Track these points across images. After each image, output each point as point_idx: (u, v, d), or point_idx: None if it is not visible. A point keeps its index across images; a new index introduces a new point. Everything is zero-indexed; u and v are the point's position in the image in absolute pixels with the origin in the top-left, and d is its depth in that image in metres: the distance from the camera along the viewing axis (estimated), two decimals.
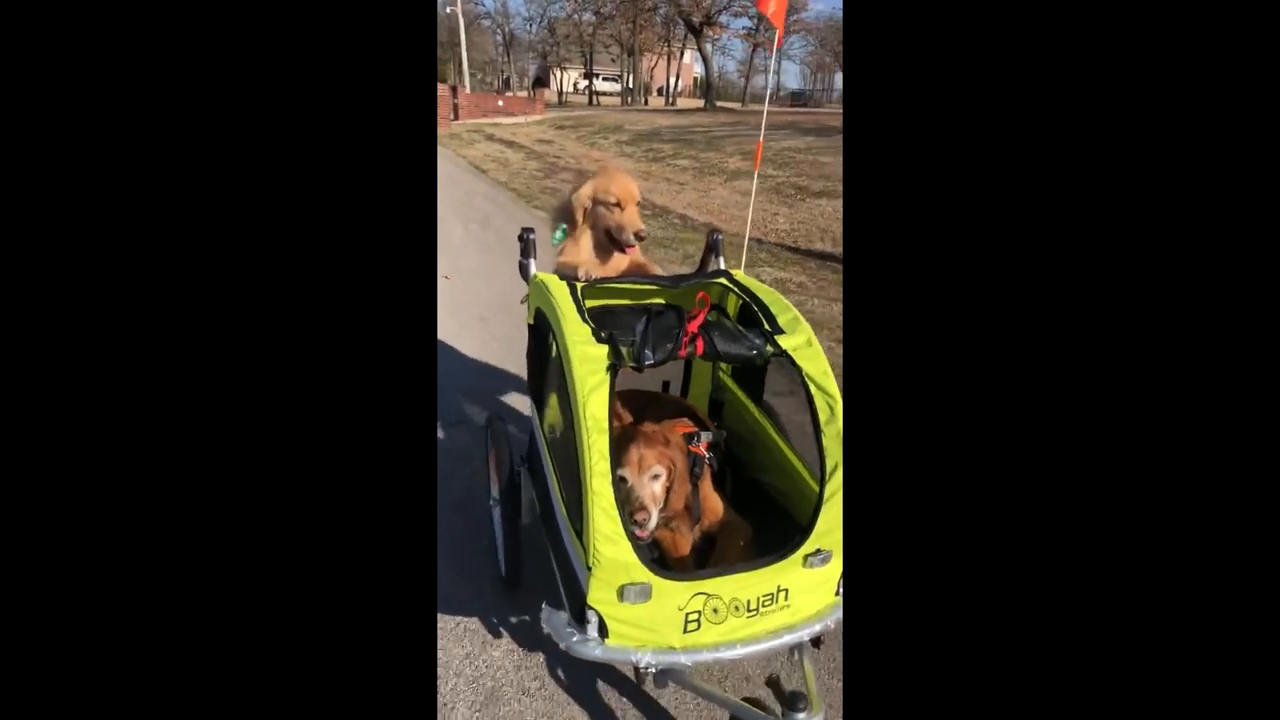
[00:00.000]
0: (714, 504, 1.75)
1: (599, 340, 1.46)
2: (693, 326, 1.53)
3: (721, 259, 2.19)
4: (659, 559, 1.64)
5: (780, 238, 7.51)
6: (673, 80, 36.05)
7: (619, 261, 2.02)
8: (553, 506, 1.60)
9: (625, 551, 1.29)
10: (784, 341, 1.56)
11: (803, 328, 1.62)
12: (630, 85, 33.35)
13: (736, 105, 30.53)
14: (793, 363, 1.54)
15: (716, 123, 18.07)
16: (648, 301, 1.87)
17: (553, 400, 1.74)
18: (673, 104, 31.12)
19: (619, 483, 1.53)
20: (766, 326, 1.62)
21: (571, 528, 1.43)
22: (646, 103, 32.67)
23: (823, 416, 1.48)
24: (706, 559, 1.65)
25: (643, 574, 1.30)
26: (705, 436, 1.83)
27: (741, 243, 5.50)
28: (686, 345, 1.51)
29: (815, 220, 8.12)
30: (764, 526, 1.74)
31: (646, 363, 1.47)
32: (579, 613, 1.36)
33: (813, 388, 1.52)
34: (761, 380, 2.05)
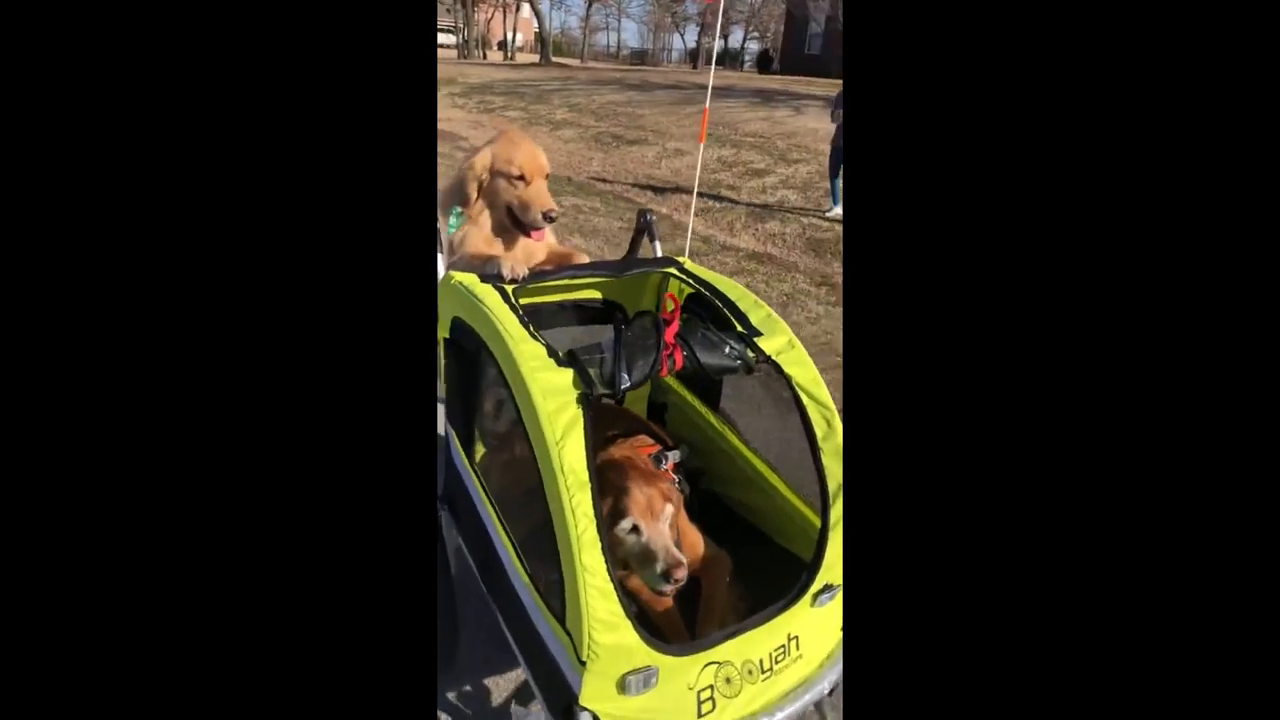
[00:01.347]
0: (693, 538, 1.47)
1: (559, 363, 1.18)
2: (669, 335, 1.27)
3: (658, 244, 1.84)
4: (638, 617, 1.27)
5: (593, 177, 8.56)
6: (510, 35, 35.67)
7: (530, 248, 1.70)
8: (506, 575, 1.30)
9: (627, 634, 1.06)
10: (764, 345, 1.37)
11: (781, 327, 1.43)
12: (466, 38, 32.66)
13: (575, 61, 30.96)
14: (779, 370, 1.36)
15: (549, 77, 18.63)
16: (580, 296, 1.67)
17: (520, 445, 1.40)
18: (511, 59, 30.95)
19: (630, 534, 1.29)
20: (739, 328, 1.41)
21: (545, 609, 1.17)
22: (485, 56, 32.21)
23: (819, 431, 1.29)
24: (692, 607, 1.39)
25: (647, 656, 1.07)
26: (672, 456, 1.57)
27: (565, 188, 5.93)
28: (666, 360, 1.26)
29: (625, 165, 9.22)
30: (737, 552, 1.51)
31: (624, 387, 1.21)
32: (564, 713, 1.09)
33: (805, 398, 1.33)
34: (716, 382, 1.77)
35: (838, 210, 6.97)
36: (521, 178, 1.62)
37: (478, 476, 1.45)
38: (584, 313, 1.77)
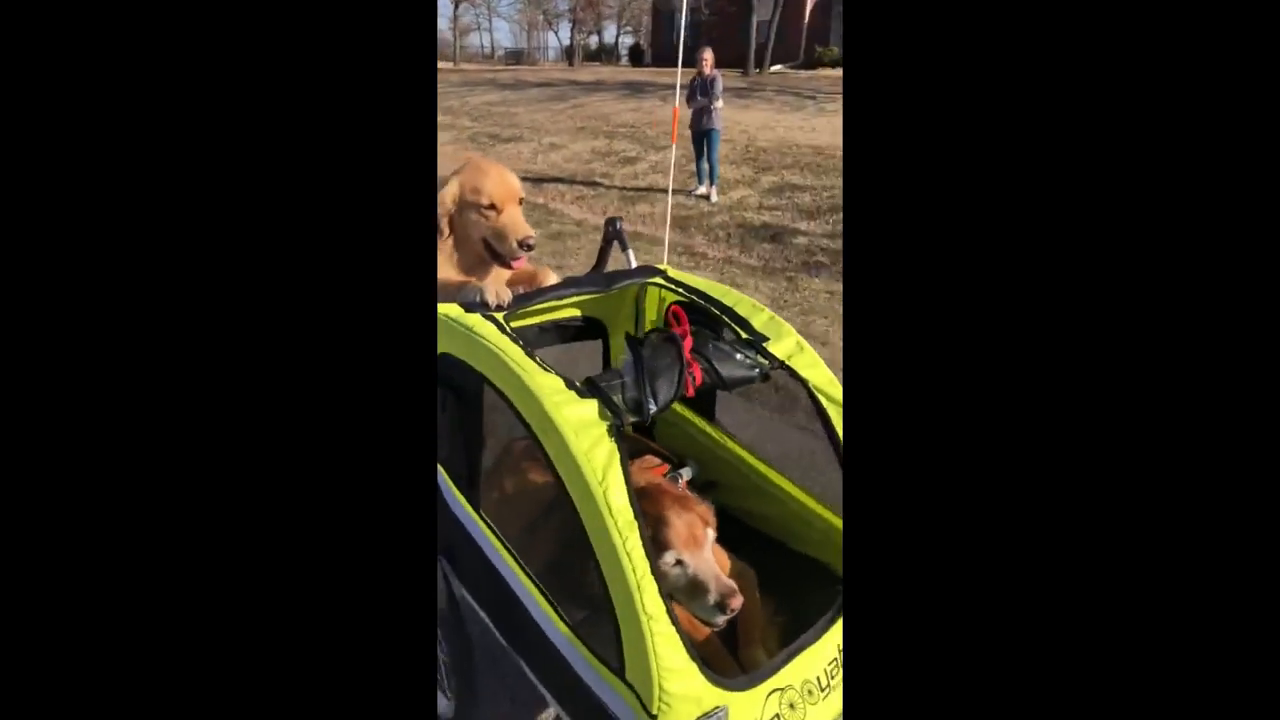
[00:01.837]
0: (720, 557, 1.37)
1: (581, 394, 1.11)
2: (685, 349, 1.23)
3: (631, 253, 1.79)
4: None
5: None
6: None
7: (502, 273, 1.61)
8: (535, 627, 1.20)
9: (695, 679, 1.00)
10: (774, 350, 1.33)
11: (786, 329, 1.39)
12: None
13: (447, 64, 30.53)
14: (793, 375, 1.32)
15: None
16: (560, 316, 1.60)
17: (510, 480, 1.42)
18: None
19: (675, 568, 1.21)
20: (742, 334, 1.37)
21: (596, 662, 1.09)
22: None
23: (843, 433, 1.23)
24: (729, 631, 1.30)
25: (716, 697, 1.01)
26: (684, 474, 1.57)
27: None
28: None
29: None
30: (755, 564, 1.44)
31: (652, 413, 1.15)
32: None
33: (824, 400, 1.30)
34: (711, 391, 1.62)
35: (703, 189, 7.49)
36: (492, 206, 1.53)
37: (486, 523, 1.31)
38: (564, 332, 1.70)
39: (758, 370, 1.30)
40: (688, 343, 1.23)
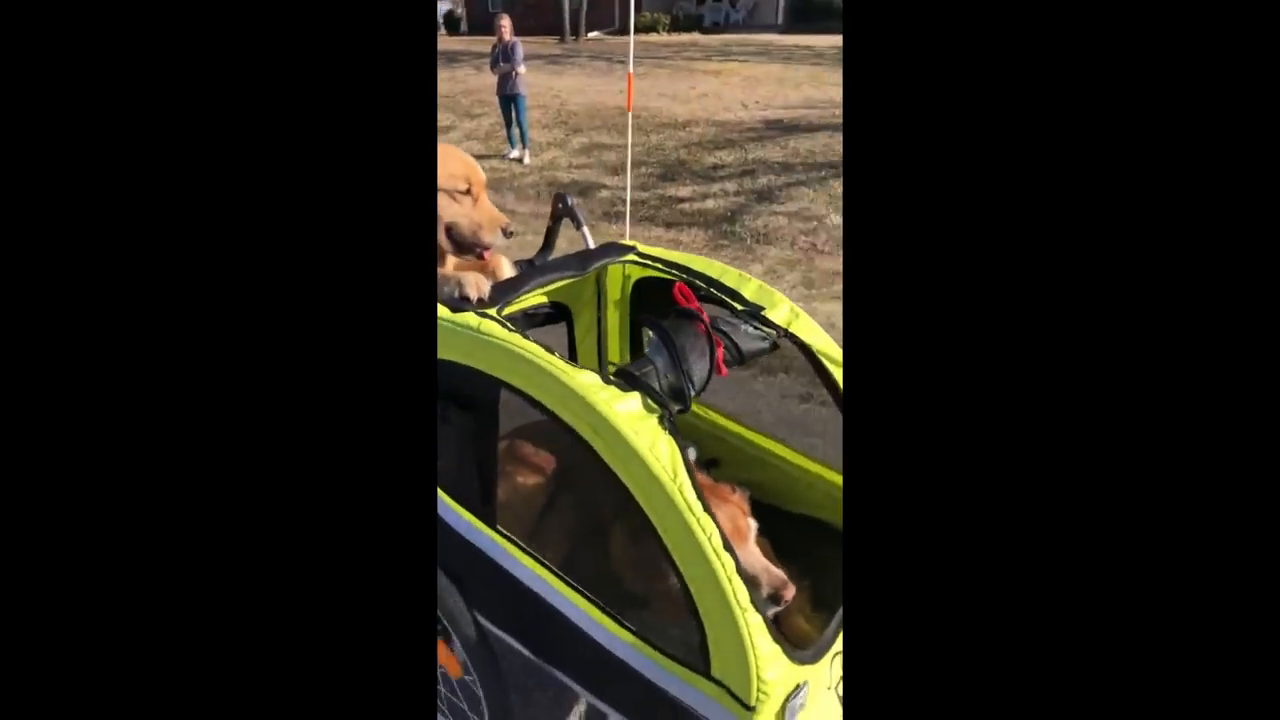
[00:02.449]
0: (763, 546, 1.34)
1: (622, 388, 1.06)
2: (701, 328, 1.19)
3: (587, 229, 1.68)
4: None
5: None
6: None
7: (461, 265, 1.46)
8: (589, 642, 1.14)
9: (782, 663, 1.00)
10: (773, 318, 1.31)
11: (778, 297, 1.37)
12: None
13: None
14: (795, 341, 1.32)
15: None
16: (528, 304, 1.49)
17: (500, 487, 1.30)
18: None
19: None
20: (737, 306, 1.34)
21: (673, 665, 1.07)
22: None
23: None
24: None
25: (796, 674, 1.03)
26: (689, 455, 1.49)
27: None
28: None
29: None
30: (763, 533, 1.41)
31: (691, 398, 1.12)
32: None
33: (827, 364, 1.30)
34: None
35: (515, 153, 7.78)
36: (469, 192, 1.38)
37: (510, 541, 1.21)
38: (531, 320, 1.59)
39: (768, 341, 1.28)
40: (704, 318, 1.20)
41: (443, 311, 1.20)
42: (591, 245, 1.61)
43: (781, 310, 1.35)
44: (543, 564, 1.19)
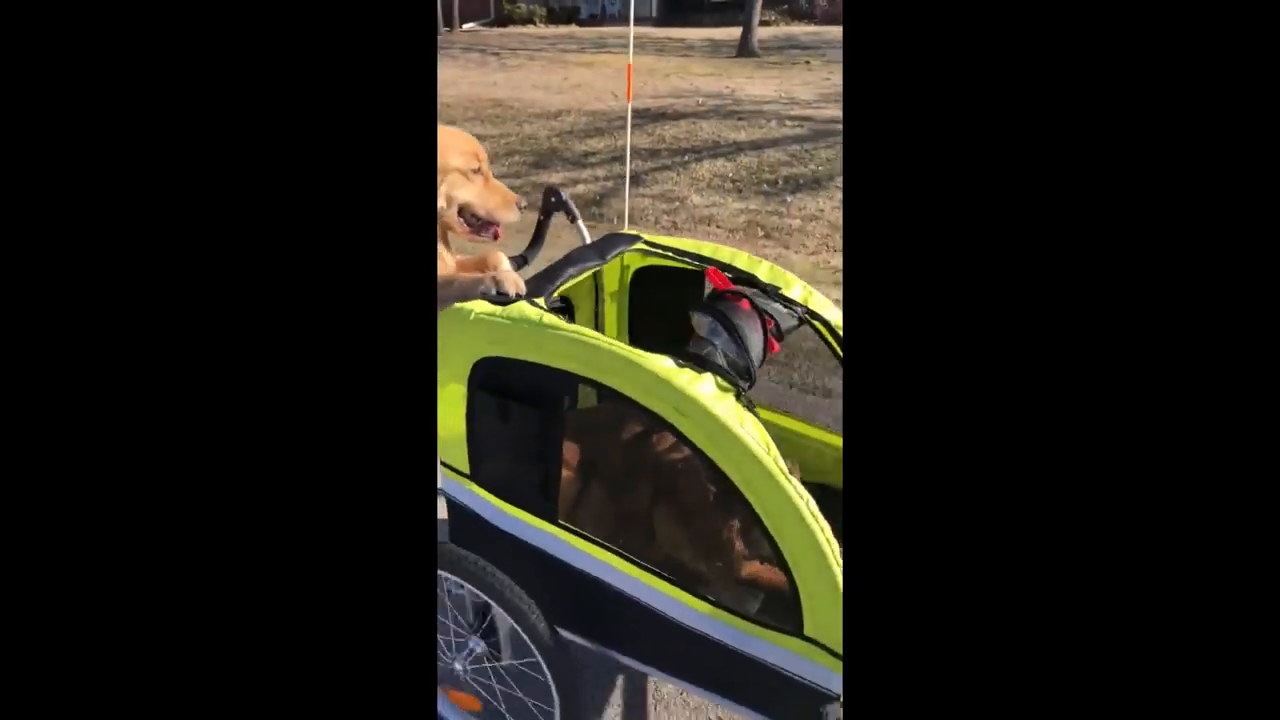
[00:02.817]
0: None
1: (695, 370, 1.07)
2: (746, 305, 1.25)
3: (581, 222, 1.63)
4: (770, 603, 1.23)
5: None
6: None
7: (502, 261, 1.41)
8: (666, 621, 1.17)
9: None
10: (793, 297, 1.37)
11: (790, 277, 1.40)
12: None
13: None
14: (816, 318, 1.36)
15: None
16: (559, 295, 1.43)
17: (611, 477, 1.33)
18: None
19: None
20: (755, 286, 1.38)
21: (766, 632, 1.11)
22: None
23: None
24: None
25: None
26: None
27: None
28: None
29: None
30: None
31: (755, 375, 1.16)
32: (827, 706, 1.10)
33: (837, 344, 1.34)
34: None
35: None
36: (479, 171, 1.35)
37: (573, 532, 1.22)
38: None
39: (796, 317, 1.33)
40: (748, 299, 1.26)
41: (485, 307, 1.17)
42: (588, 238, 1.56)
43: (796, 289, 1.39)
44: (608, 549, 1.19)
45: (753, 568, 1.26)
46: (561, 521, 1.23)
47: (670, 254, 1.50)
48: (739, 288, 1.32)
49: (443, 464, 1.28)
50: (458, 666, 1.42)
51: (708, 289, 1.46)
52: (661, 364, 1.06)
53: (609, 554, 1.20)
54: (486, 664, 1.42)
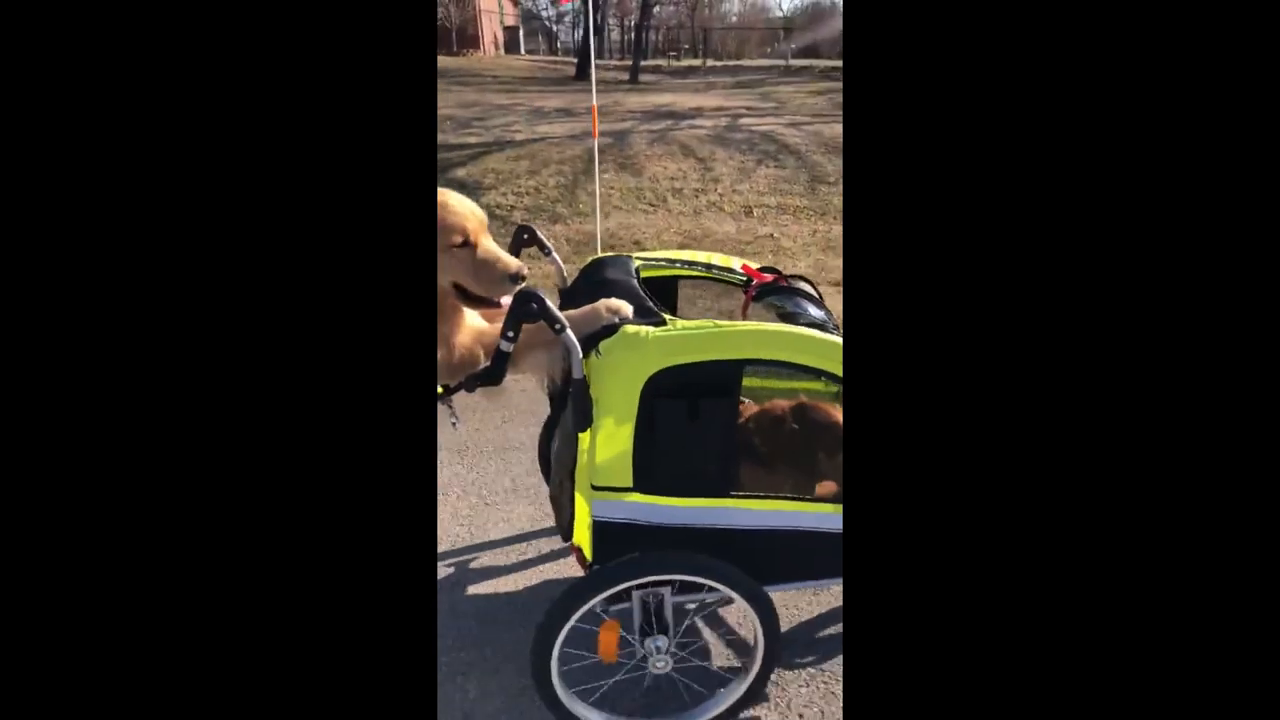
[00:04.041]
0: None
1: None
2: (784, 283, 1.69)
3: (557, 256, 1.78)
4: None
5: None
6: None
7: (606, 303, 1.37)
8: (830, 537, 1.46)
9: None
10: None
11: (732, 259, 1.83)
12: None
13: None
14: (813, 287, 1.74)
15: None
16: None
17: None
18: None
19: None
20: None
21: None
22: None
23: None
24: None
25: None
26: None
27: None
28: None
29: None
30: None
31: None
32: None
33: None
34: None
35: None
36: (466, 243, 1.29)
37: (753, 497, 1.43)
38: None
39: (810, 286, 1.75)
40: (786, 281, 1.68)
41: (636, 329, 1.32)
42: (565, 272, 1.79)
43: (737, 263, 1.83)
44: (782, 498, 1.45)
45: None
46: (733, 494, 1.43)
47: (664, 263, 1.77)
48: (777, 274, 1.68)
49: (594, 489, 1.37)
50: (659, 665, 1.55)
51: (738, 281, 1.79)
52: (809, 331, 1.35)
53: (783, 502, 1.45)
54: (671, 652, 1.56)
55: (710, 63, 22.74)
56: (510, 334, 1.26)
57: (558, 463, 1.56)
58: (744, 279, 1.75)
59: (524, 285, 1.32)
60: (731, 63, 24.11)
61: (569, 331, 1.27)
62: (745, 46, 27.42)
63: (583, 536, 1.46)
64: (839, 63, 23.33)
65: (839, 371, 1.34)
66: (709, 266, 1.77)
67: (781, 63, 22.30)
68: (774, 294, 1.66)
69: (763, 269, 1.77)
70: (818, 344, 1.34)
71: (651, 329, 1.33)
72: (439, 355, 1.32)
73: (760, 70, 20.30)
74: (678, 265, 1.77)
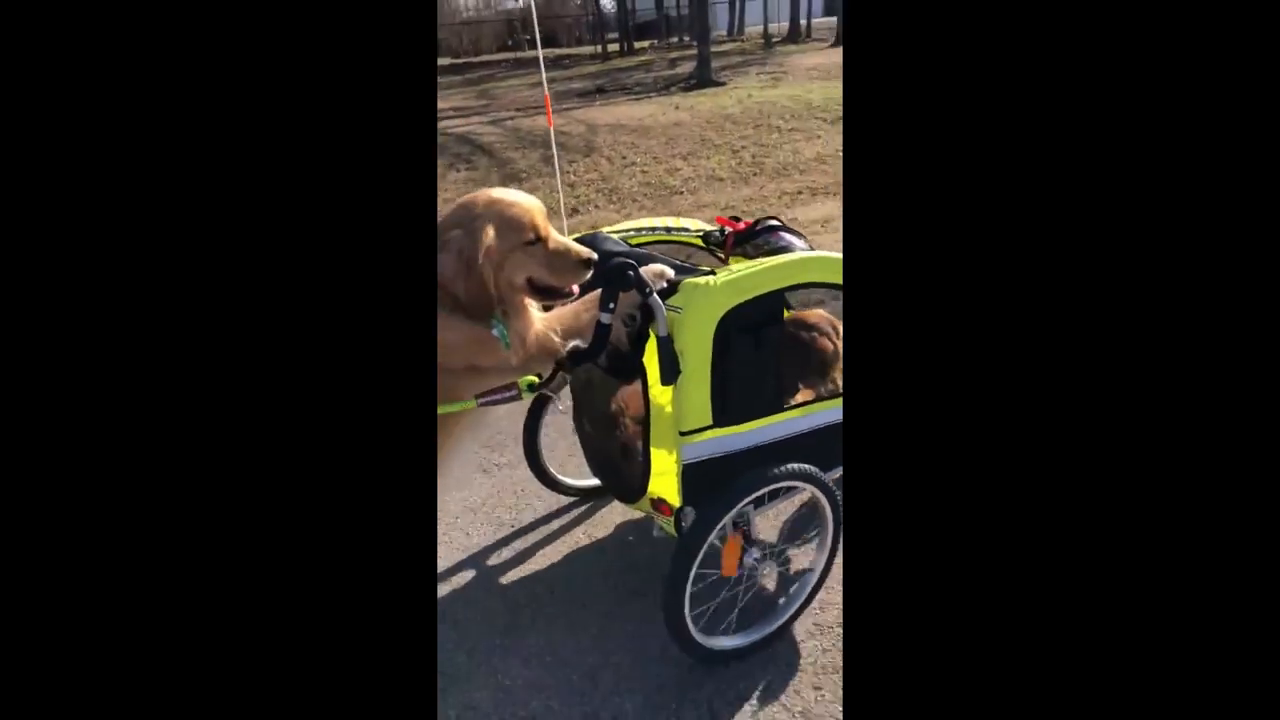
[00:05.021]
0: None
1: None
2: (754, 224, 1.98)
3: None
4: None
5: None
6: None
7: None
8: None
9: None
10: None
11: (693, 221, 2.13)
12: None
13: None
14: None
15: None
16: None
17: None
18: None
19: None
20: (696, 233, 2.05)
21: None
22: None
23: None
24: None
25: None
26: None
27: None
28: None
29: None
30: None
31: None
32: None
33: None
34: None
35: None
36: (537, 240, 1.27)
37: (798, 406, 1.67)
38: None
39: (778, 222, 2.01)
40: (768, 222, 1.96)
41: (720, 276, 1.47)
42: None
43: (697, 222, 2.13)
44: (817, 401, 1.69)
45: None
46: (790, 406, 1.66)
47: (633, 232, 1.94)
48: (756, 220, 1.96)
49: (682, 434, 1.51)
50: (766, 572, 1.79)
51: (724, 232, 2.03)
52: (830, 254, 1.61)
53: (816, 405, 1.69)
54: (760, 561, 1.74)
55: (443, 61, 22.24)
56: (611, 305, 1.35)
57: (603, 435, 1.79)
58: (701, 235, 2.02)
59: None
60: (462, 60, 23.79)
61: (655, 295, 1.38)
62: (482, 41, 27.01)
63: (665, 486, 1.64)
64: (573, 50, 23.93)
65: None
66: (669, 229, 1.99)
67: (515, 55, 22.42)
68: (753, 238, 1.90)
69: (733, 218, 2.01)
70: (837, 263, 1.59)
71: (711, 277, 1.46)
72: (516, 356, 1.31)
73: (493, 65, 20.25)
74: (645, 232, 1.96)
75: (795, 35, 20.28)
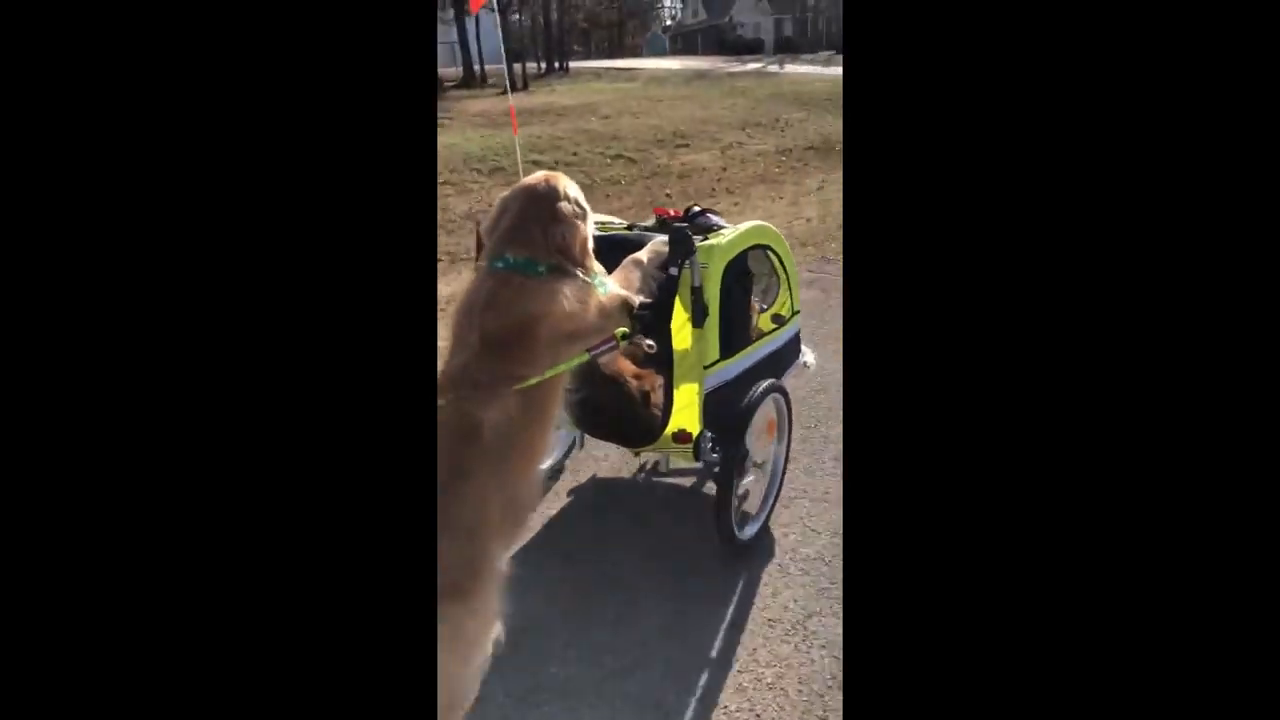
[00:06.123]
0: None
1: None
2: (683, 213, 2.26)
3: None
4: None
5: None
6: None
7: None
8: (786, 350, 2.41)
9: None
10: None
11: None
12: None
13: None
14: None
15: None
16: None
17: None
18: None
19: None
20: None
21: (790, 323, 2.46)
22: None
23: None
24: None
25: None
26: None
27: None
28: None
29: None
30: None
31: None
32: None
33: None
34: None
35: None
36: (583, 212, 1.57)
37: (756, 338, 2.21)
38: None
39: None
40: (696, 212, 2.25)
41: (715, 238, 1.97)
42: None
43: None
44: (769, 333, 2.30)
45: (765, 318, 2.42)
46: (750, 338, 2.18)
47: (612, 222, 2.32)
48: (679, 213, 2.23)
49: (705, 368, 1.89)
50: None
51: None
52: (769, 225, 2.18)
53: (768, 336, 2.27)
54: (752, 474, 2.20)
55: None
56: (680, 262, 1.79)
57: (610, 394, 2.01)
58: (627, 226, 2.26)
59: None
60: None
61: (696, 255, 1.81)
62: None
63: (687, 418, 1.94)
64: None
65: (784, 251, 2.27)
66: (630, 226, 2.25)
67: None
68: (692, 220, 2.18)
69: (666, 209, 2.33)
70: (775, 231, 2.21)
71: (717, 240, 1.94)
72: (606, 312, 1.55)
73: None
74: (614, 225, 2.27)
75: (469, 81, 20.12)
